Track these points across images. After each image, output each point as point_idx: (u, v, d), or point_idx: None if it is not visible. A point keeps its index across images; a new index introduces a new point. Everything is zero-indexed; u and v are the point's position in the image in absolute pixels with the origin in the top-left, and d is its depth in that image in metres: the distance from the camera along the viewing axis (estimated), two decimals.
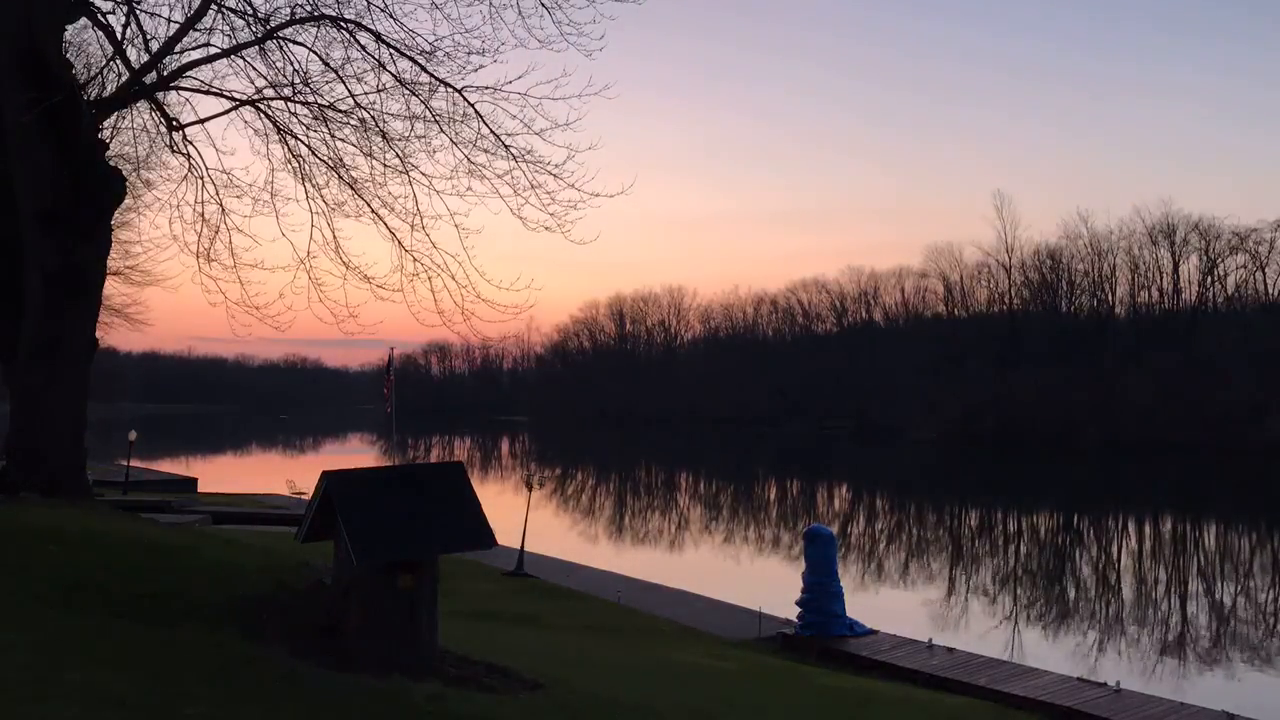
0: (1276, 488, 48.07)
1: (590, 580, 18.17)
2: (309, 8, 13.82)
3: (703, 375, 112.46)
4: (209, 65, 14.42)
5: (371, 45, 13.75)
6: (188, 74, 14.60)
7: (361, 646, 6.29)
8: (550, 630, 12.07)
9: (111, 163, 15.48)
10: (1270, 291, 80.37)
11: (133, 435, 28.26)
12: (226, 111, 14.78)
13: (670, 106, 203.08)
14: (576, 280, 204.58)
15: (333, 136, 14.27)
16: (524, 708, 6.05)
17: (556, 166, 13.50)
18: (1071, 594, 22.36)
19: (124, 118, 16.01)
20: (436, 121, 13.84)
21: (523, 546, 17.79)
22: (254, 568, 8.35)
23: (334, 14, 13.77)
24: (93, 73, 17.18)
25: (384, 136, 14.07)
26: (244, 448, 79.23)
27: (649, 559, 25.40)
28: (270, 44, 13.97)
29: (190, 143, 15.04)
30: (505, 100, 13.47)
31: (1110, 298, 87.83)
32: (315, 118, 14.25)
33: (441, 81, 13.75)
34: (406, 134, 14.05)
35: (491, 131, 13.67)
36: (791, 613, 14.20)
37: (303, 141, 14.43)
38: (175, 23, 14.12)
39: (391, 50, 13.69)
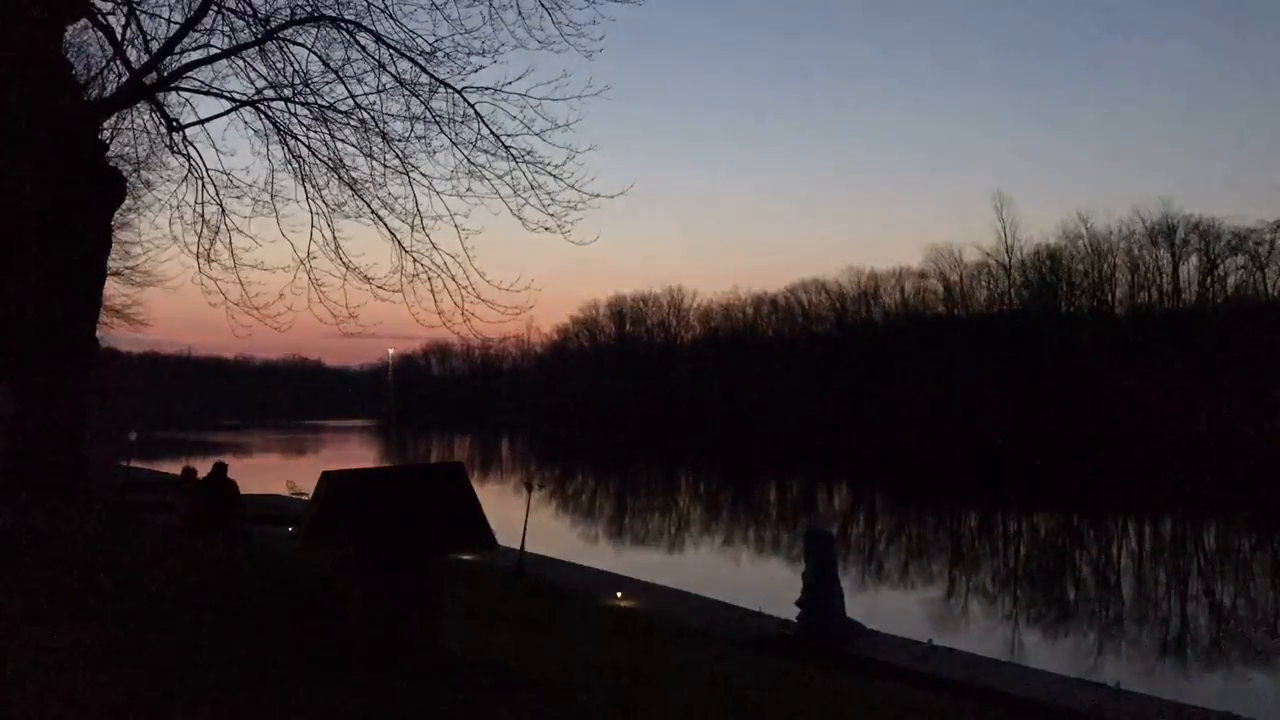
0: (1276, 488, 48.01)
1: (590, 580, 18.20)
2: (309, 8, 13.81)
3: (703, 376, 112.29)
4: (209, 66, 14.40)
5: (371, 46, 13.74)
6: (188, 75, 14.58)
7: (362, 647, 6.29)
8: (550, 631, 12.07)
9: (111, 163, 15.46)
10: (1270, 291, 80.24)
11: (133, 435, 28.27)
12: (227, 112, 14.77)
13: (670, 106, 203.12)
14: (576, 280, 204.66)
15: (333, 137, 14.24)
16: (523, 708, 6.05)
17: (556, 167, 13.49)
18: (1071, 594, 22.37)
19: (124, 118, 15.96)
20: (436, 122, 13.83)
21: (523, 547, 17.81)
22: (254, 568, 8.36)
23: (334, 15, 13.76)
24: (93, 73, 17.15)
25: (384, 137, 14.05)
26: (244, 448, 79.14)
27: (649, 559, 25.41)
28: (270, 45, 13.94)
29: (190, 143, 15.00)
30: (505, 101, 13.45)
31: (1110, 298, 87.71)
32: (315, 118, 14.22)
33: (441, 82, 13.74)
34: (406, 135, 14.02)
35: (491, 132, 13.65)
36: (791, 613, 14.21)
37: (303, 142, 14.41)
38: (175, 23, 14.09)
39: (391, 51, 13.68)
